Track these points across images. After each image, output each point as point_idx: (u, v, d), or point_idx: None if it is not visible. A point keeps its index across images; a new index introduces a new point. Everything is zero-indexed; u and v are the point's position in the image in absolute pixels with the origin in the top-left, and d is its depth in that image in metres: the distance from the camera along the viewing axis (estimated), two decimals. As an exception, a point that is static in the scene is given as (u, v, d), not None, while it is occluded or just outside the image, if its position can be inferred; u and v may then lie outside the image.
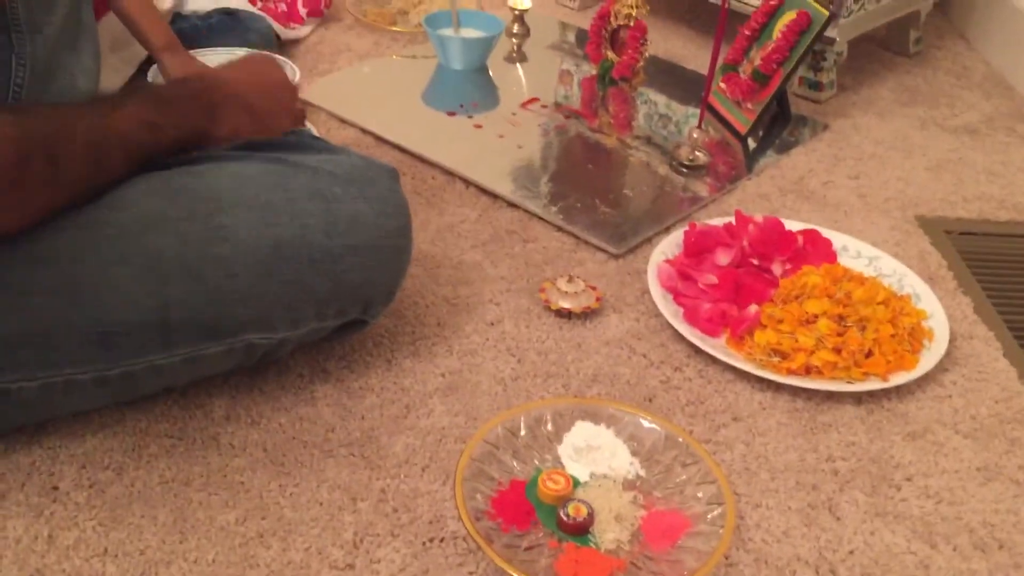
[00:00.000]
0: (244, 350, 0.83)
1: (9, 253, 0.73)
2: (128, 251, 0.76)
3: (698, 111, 1.31)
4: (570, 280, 1.04)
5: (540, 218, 1.18)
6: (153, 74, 1.22)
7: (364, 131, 1.32)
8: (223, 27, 1.39)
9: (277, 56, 1.02)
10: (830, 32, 1.42)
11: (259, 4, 1.45)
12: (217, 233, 0.78)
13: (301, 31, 1.53)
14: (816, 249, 1.11)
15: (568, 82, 1.51)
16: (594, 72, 1.51)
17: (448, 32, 1.49)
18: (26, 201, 0.71)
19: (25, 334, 0.74)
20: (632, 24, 1.44)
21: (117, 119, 0.76)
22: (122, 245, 0.76)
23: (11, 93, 0.79)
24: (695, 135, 1.29)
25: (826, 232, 1.13)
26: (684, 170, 1.29)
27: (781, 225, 1.10)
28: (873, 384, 0.94)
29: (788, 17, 1.34)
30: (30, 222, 0.73)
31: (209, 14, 1.40)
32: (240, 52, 1.38)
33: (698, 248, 1.08)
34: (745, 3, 1.51)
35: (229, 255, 0.78)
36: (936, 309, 1.03)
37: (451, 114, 1.38)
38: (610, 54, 1.48)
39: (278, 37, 1.47)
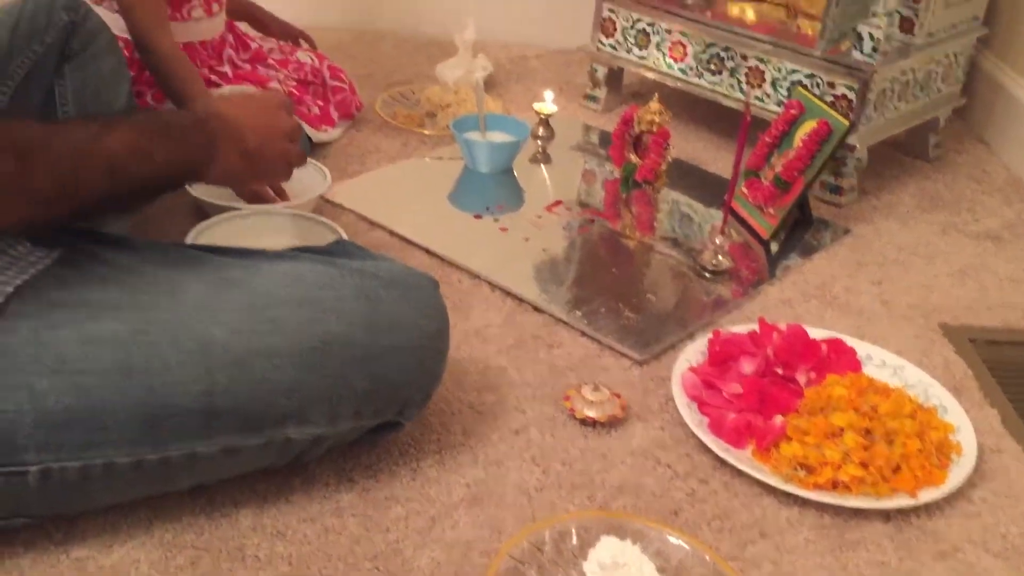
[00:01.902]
0: (281, 446, 0.85)
1: (66, 333, 0.77)
2: (180, 336, 0.79)
3: (720, 213, 1.33)
4: (595, 388, 1.04)
5: (565, 323, 1.19)
6: None
7: (392, 233, 1.35)
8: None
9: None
10: (850, 140, 1.44)
11: (293, 108, 1.50)
12: (267, 325, 0.82)
13: (333, 134, 1.57)
14: (840, 358, 1.11)
15: (592, 183, 1.54)
16: (617, 175, 1.53)
17: (475, 136, 1.53)
18: None
19: (74, 413, 0.76)
20: (655, 131, 1.47)
21: (105, 141, 0.79)
22: (175, 330, 0.79)
23: None
24: (718, 240, 1.30)
25: (850, 340, 1.13)
26: (707, 275, 1.30)
27: (805, 334, 1.11)
28: (901, 501, 0.93)
29: (809, 126, 1.36)
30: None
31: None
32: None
33: (722, 357, 1.09)
34: (765, 109, 1.55)
35: (277, 347, 0.82)
36: (963, 422, 1.03)
37: (477, 216, 1.41)
38: (633, 157, 1.51)
39: (310, 140, 1.51)
